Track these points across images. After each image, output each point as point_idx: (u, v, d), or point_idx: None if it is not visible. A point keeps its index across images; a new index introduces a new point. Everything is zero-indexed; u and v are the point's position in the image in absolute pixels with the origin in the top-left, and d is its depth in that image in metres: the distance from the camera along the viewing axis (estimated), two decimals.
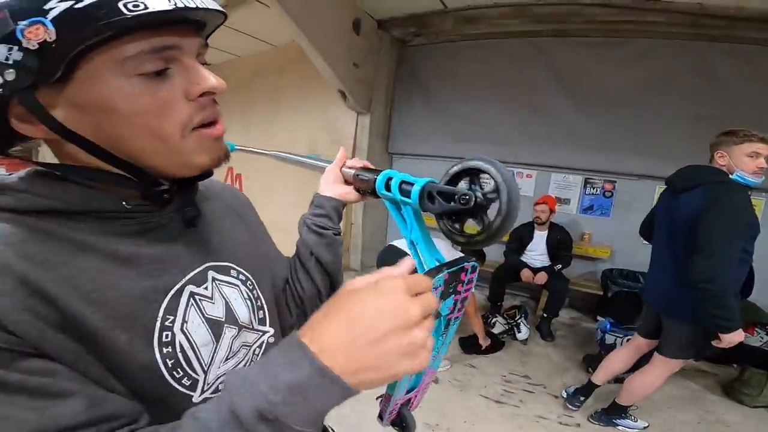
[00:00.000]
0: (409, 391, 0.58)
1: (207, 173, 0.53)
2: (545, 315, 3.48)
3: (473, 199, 0.48)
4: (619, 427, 2.30)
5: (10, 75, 0.37)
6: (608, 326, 3.07)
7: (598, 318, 3.59)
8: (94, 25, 0.36)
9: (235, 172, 5.59)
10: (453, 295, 0.52)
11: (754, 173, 1.76)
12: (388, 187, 0.58)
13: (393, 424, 0.59)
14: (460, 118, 4.32)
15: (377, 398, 0.58)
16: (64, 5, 0.36)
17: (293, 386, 0.34)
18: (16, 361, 0.36)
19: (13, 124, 0.42)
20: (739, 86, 3.40)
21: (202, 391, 0.52)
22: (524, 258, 3.72)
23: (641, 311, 2.35)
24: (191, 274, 0.53)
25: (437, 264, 0.53)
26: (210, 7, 0.43)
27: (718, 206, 1.74)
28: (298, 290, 0.73)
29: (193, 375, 0.51)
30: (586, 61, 3.76)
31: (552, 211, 3.64)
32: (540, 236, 3.68)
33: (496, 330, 3.35)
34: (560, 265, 3.58)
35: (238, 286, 0.60)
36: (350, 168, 0.70)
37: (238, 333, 0.57)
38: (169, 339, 0.48)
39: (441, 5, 3.49)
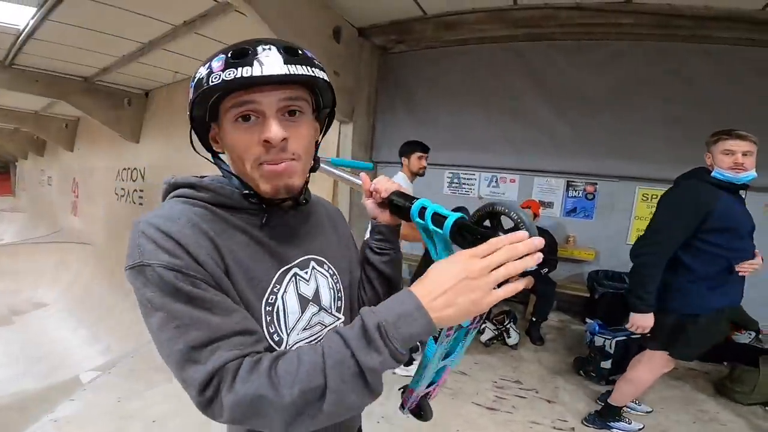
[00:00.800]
0: (429, 386, 0.71)
1: (300, 199, 0.72)
2: (534, 319, 3.47)
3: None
4: (614, 430, 2.28)
5: (188, 113, 0.66)
6: (597, 328, 3.06)
7: (587, 320, 3.60)
8: (205, 88, 0.60)
9: None
10: None
11: (731, 169, 1.83)
12: (421, 215, 0.66)
13: (413, 413, 0.75)
14: (444, 125, 4.33)
15: (399, 389, 0.73)
16: (196, 76, 0.63)
17: (401, 314, 0.52)
18: (208, 287, 0.57)
19: (210, 142, 0.70)
20: (709, 86, 3.48)
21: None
22: None
23: (628, 312, 2.35)
24: (299, 260, 0.73)
25: None
26: (269, 73, 0.58)
27: (667, 196, 1.95)
28: (362, 296, 0.89)
29: (280, 333, 0.69)
30: (564, 65, 3.81)
31: (536, 215, 3.65)
32: None
33: (485, 336, 3.32)
34: (547, 269, 3.58)
35: (327, 277, 0.78)
36: (382, 190, 0.79)
37: (318, 311, 0.74)
38: (272, 301, 0.68)
39: (420, 11, 3.50)
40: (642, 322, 1.92)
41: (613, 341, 2.88)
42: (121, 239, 7.13)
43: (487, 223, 0.62)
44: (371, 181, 0.82)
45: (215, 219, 0.64)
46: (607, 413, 2.29)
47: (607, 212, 4.06)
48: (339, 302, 0.80)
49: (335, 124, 4.31)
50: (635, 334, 2.06)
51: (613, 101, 3.74)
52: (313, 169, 0.75)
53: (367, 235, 0.91)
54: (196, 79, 0.62)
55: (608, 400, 2.28)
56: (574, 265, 4.10)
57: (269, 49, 0.59)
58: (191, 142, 0.69)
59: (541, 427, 2.28)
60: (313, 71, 0.62)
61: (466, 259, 0.52)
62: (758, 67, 3.35)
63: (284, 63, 0.58)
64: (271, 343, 0.66)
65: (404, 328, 0.51)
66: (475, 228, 0.58)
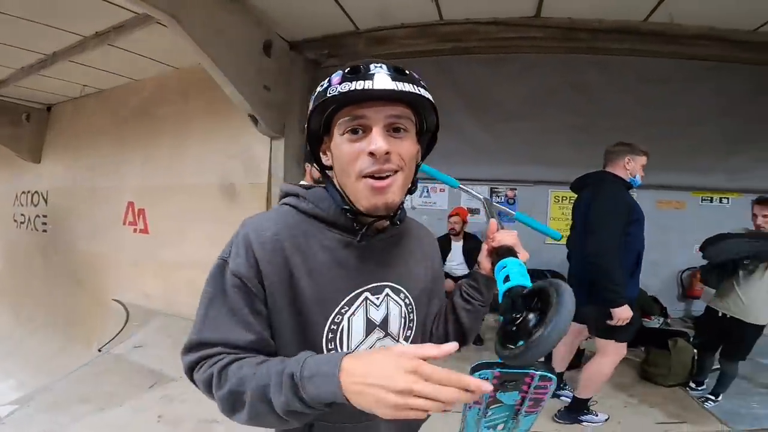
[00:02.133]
0: None
1: (395, 219, 0.75)
2: None
3: (522, 322, 0.58)
4: (584, 423, 2.42)
5: (304, 127, 0.73)
6: None
7: None
8: (322, 102, 0.65)
9: (137, 206, 5.08)
10: (517, 392, 0.60)
11: (641, 177, 2.28)
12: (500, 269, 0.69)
13: None
14: None
15: None
16: (318, 89, 0.68)
17: (319, 374, 0.54)
18: (251, 300, 0.67)
19: (320, 155, 0.75)
20: (603, 95, 3.98)
21: None
22: (445, 269, 3.87)
23: None
24: (373, 285, 0.75)
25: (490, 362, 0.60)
26: (381, 87, 0.62)
27: (602, 201, 2.17)
28: (433, 330, 0.91)
29: (338, 350, 0.73)
30: (484, 77, 4.10)
31: (464, 221, 3.84)
32: (457, 246, 3.86)
33: None
34: None
35: (401, 306, 0.79)
36: (496, 240, 0.78)
37: (383, 337, 0.77)
38: (338, 320, 0.72)
39: (352, 26, 3.57)
40: (623, 314, 2.06)
41: None
42: (27, 269, 6.39)
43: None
44: (497, 228, 0.80)
45: (305, 235, 0.71)
46: (577, 407, 2.44)
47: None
48: (409, 331, 0.82)
49: (266, 139, 4.24)
50: None
51: (527, 111, 4.12)
52: (410, 191, 0.74)
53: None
54: (316, 93, 0.67)
55: (575, 395, 2.43)
56: None
57: (381, 67, 0.64)
58: (305, 153, 0.77)
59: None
60: (419, 90, 0.65)
61: (401, 371, 0.50)
62: (643, 75, 3.90)
63: (392, 80, 0.63)
64: None
65: (312, 388, 0.54)
66: (512, 310, 0.60)
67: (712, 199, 3.99)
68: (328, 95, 0.63)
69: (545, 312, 0.54)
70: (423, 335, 0.87)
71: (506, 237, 0.77)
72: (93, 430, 2.32)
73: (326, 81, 0.66)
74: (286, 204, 0.75)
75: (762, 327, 2.47)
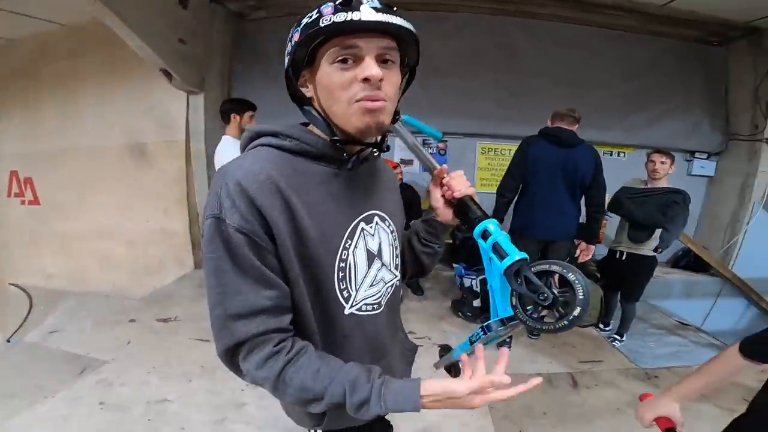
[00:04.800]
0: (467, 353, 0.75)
1: (383, 146, 0.74)
2: None
3: (550, 298, 0.63)
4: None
5: (288, 59, 0.67)
6: (462, 271, 3.58)
7: (454, 265, 4.14)
8: (308, 33, 0.62)
9: (21, 175, 4.32)
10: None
11: None
12: (484, 236, 0.71)
13: (446, 369, 0.87)
14: None
15: (439, 346, 0.89)
16: (304, 21, 0.64)
17: (402, 395, 0.64)
18: (266, 254, 0.65)
19: (299, 87, 0.71)
20: (524, 56, 4.22)
21: (351, 306, 0.76)
22: None
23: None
24: (365, 214, 0.77)
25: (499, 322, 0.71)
26: (373, 20, 0.61)
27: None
28: None
29: (350, 290, 0.75)
30: (419, 34, 4.04)
31: (401, 178, 3.93)
32: None
33: None
34: (414, 221, 3.97)
35: (388, 233, 0.82)
36: (455, 190, 0.80)
37: (381, 267, 0.79)
38: (345, 257, 0.73)
39: None
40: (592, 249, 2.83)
41: (477, 280, 3.39)
42: None
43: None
44: (447, 173, 0.82)
45: (295, 172, 0.69)
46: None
47: (456, 166, 4.47)
48: (397, 259, 0.85)
49: (182, 95, 3.80)
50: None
51: (457, 68, 4.23)
52: (394, 120, 0.76)
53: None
54: (302, 24, 0.64)
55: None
56: None
57: (374, 1, 0.63)
58: (288, 87, 0.71)
59: (442, 369, 2.63)
60: (407, 25, 0.66)
61: (470, 396, 0.64)
62: (560, 40, 4.20)
63: (384, 13, 0.62)
64: (341, 299, 0.74)
65: (393, 402, 0.64)
66: (535, 280, 0.64)
67: (612, 153, 4.54)
68: (321, 25, 0.61)
69: (567, 291, 0.63)
70: (401, 262, 0.91)
71: (464, 184, 0.81)
72: (32, 426, 2.12)
73: (314, 12, 0.63)
74: (264, 145, 0.72)
75: (653, 262, 2.95)
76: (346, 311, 0.75)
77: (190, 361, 2.59)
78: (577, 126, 2.70)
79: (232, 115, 2.61)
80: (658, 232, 2.86)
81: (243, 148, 0.75)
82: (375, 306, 0.80)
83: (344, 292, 0.74)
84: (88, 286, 4.20)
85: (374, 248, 0.78)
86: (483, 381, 0.64)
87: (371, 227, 0.77)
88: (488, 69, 4.25)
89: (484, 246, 0.70)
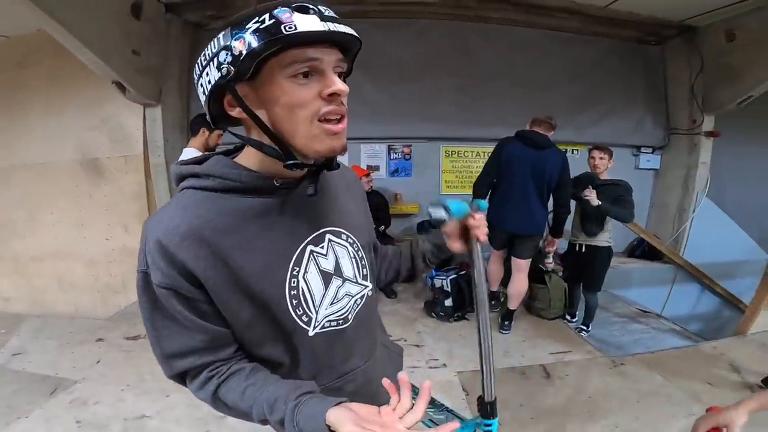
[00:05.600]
0: None
1: (333, 164, 0.70)
2: None
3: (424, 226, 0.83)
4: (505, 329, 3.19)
5: (224, 71, 0.58)
6: (433, 272, 3.65)
7: None
8: (269, 40, 0.55)
9: None
10: None
11: None
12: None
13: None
14: None
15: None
16: (254, 26, 0.56)
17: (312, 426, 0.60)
18: (195, 301, 0.64)
19: (225, 107, 0.63)
20: (481, 59, 4.37)
21: (314, 328, 0.74)
22: None
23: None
24: (312, 236, 0.73)
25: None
26: (339, 30, 0.58)
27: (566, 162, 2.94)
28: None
29: (309, 313, 0.72)
30: (382, 41, 4.14)
31: (362, 178, 3.94)
32: None
33: None
34: (383, 226, 4.03)
35: (347, 247, 0.78)
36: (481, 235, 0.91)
37: (342, 284, 0.77)
38: (295, 284, 0.70)
39: None
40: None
41: (448, 280, 3.43)
42: None
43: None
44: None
45: (222, 213, 0.65)
46: (508, 317, 3.18)
47: (422, 169, 4.76)
48: (364, 270, 0.82)
49: (138, 108, 3.68)
50: (462, 272, 3.17)
51: (419, 73, 4.32)
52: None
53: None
54: (253, 29, 0.56)
55: (509, 307, 3.19)
56: (404, 220, 4.72)
57: (324, 9, 0.59)
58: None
59: (420, 370, 2.68)
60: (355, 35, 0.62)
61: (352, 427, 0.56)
62: (513, 43, 4.38)
63: (339, 23, 0.59)
64: (302, 324, 0.72)
65: (305, 425, 0.59)
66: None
67: (565, 150, 4.77)
68: (285, 32, 0.54)
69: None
70: (372, 269, 0.87)
71: (484, 234, 0.89)
72: None
73: (266, 17, 0.56)
74: (188, 188, 0.68)
75: (609, 252, 3.14)
76: (311, 333, 0.74)
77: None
78: (552, 132, 2.95)
79: (203, 129, 2.59)
80: (609, 223, 3.09)
81: (176, 185, 0.72)
82: (340, 321, 0.78)
83: (303, 317, 0.72)
84: (49, 308, 4.00)
85: (330, 267, 0.75)
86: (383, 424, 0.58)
87: (322, 247, 0.74)
88: (449, 73, 4.37)
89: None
